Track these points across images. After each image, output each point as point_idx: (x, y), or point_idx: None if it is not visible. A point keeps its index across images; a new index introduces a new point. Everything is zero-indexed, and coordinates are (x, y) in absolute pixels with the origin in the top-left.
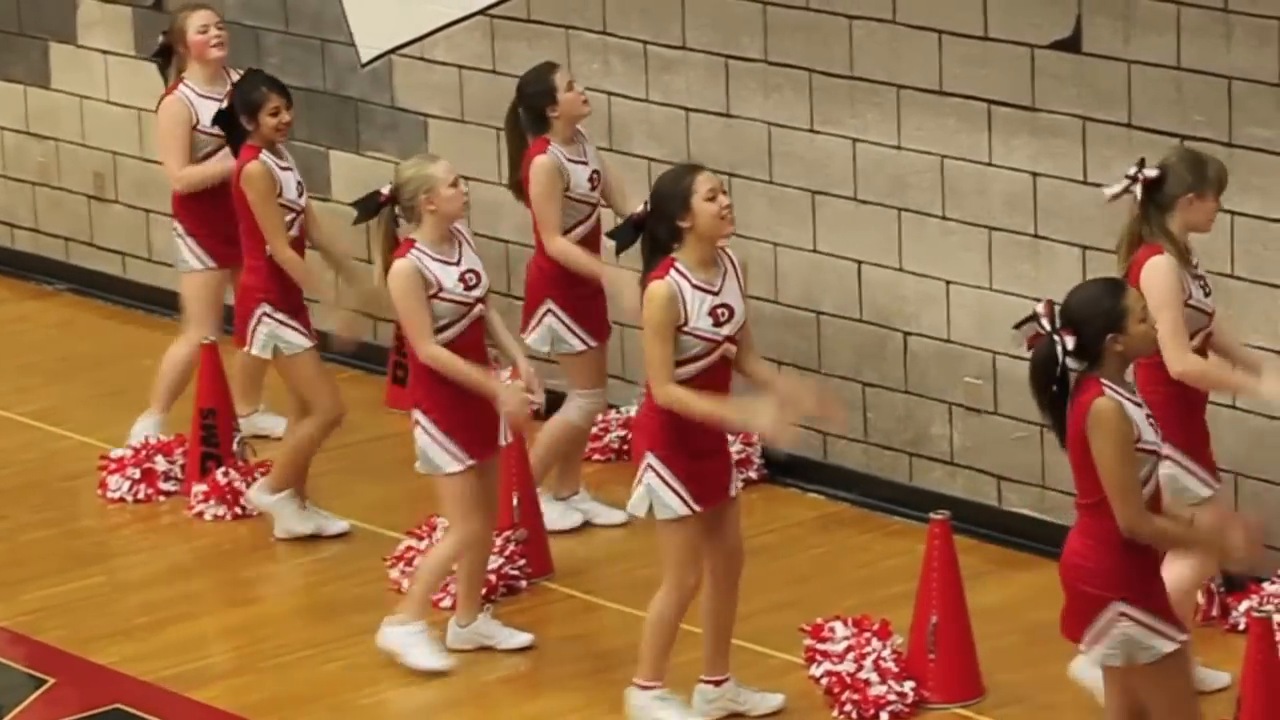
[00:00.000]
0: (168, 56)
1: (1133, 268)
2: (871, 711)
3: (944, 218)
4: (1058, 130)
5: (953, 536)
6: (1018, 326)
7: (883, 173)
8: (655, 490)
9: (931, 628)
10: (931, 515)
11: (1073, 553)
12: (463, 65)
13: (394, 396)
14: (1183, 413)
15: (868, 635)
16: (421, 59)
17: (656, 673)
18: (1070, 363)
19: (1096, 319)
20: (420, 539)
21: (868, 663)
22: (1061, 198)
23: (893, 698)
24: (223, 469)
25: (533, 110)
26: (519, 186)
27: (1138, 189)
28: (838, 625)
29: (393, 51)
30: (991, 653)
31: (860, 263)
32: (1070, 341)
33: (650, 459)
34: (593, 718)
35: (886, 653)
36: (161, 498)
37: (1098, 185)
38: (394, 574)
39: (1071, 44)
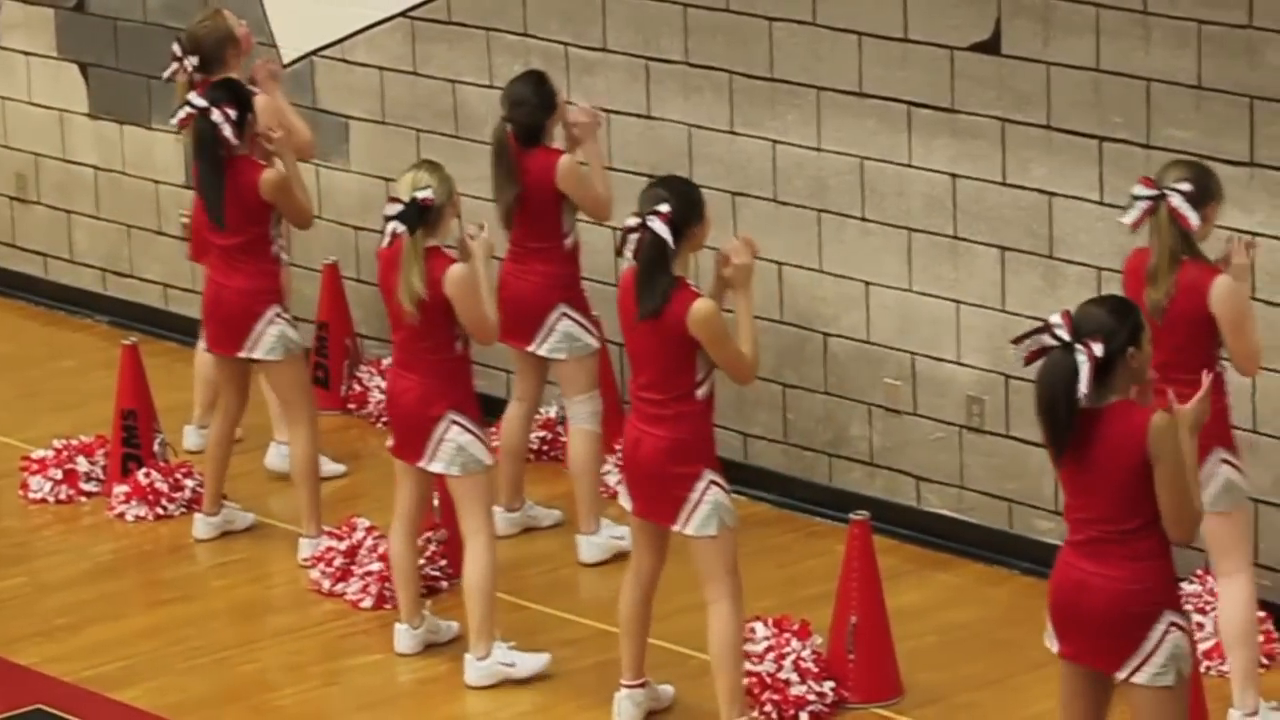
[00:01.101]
0: (211, 66)
1: (1183, 291)
2: (791, 712)
3: (864, 219)
4: (977, 132)
5: (872, 537)
6: (1021, 340)
7: (803, 174)
8: (722, 504)
9: (851, 628)
10: (851, 516)
11: (1120, 580)
12: (384, 67)
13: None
14: (1230, 422)
15: (787, 635)
16: (342, 61)
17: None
18: (1084, 382)
19: (1120, 333)
20: (340, 539)
21: (787, 663)
22: (981, 199)
23: (812, 698)
24: (144, 470)
25: (537, 124)
26: (522, 201)
27: (1169, 204)
28: (758, 625)
29: (314, 53)
30: (910, 653)
31: (780, 264)
32: (1099, 349)
33: (710, 476)
34: (511, 719)
35: (806, 653)
36: (83, 499)
37: (1017, 187)
38: (313, 574)
39: (991, 46)
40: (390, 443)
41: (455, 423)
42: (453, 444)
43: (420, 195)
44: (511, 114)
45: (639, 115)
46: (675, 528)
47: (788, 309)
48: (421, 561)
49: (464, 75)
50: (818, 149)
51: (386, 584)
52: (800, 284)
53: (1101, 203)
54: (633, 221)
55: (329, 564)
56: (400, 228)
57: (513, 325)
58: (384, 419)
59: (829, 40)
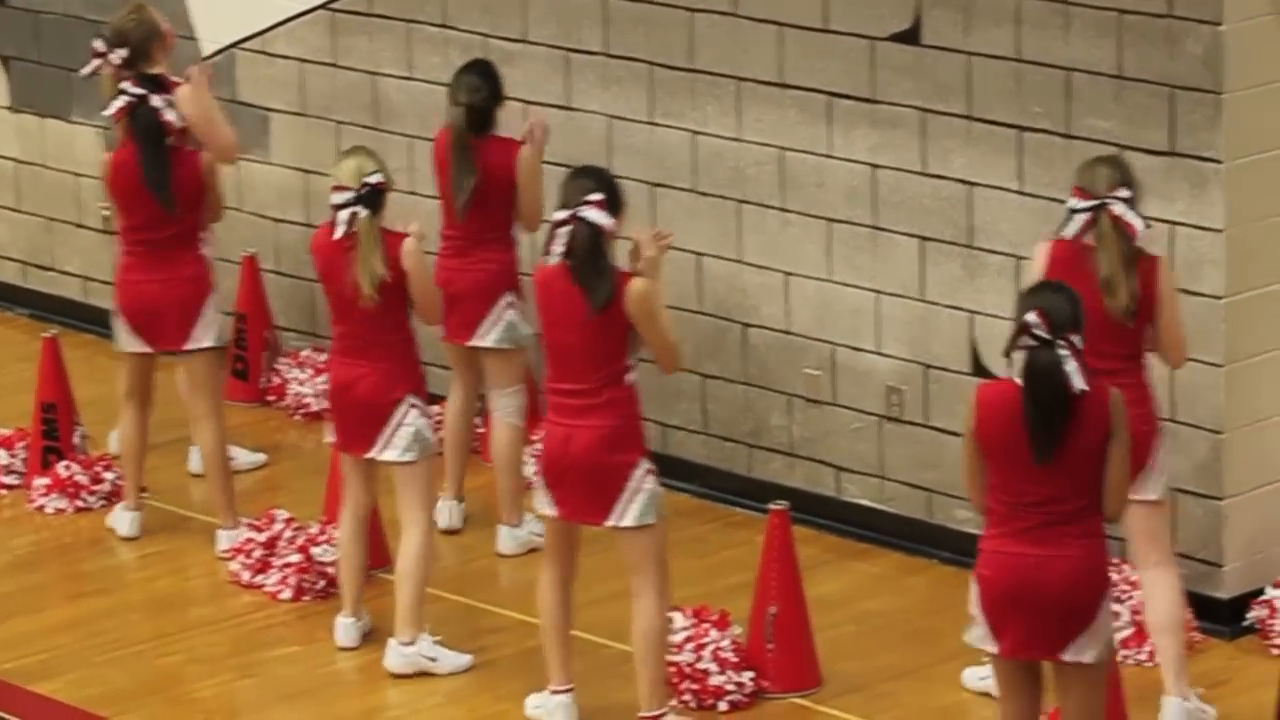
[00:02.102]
0: (138, 61)
1: (1149, 278)
2: (710, 701)
3: (783, 210)
4: (897, 122)
5: (791, 527)
6: (1011, 351)
7: (722, 165)
8: (658, 492)
9: (770, 618)
10: (770, 505)
11: (1076, 559)
12: (304, 59)
13: (232, 389)
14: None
15: (706, 625)
16: (263, 53)
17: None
18: (1077, 377)
19: (1081, 320)
20: (259, 531)
21: (707, 653)
22: (901, 189)
23: (731, 687)
24: (64, 463)
25: (491, 111)
26: (480, 191)
27: (1112, 214)
28: (677, 615)
29: (234, 46)
30: (829, 642)
31: (700, 255)
32: (1079, 340)
33: (646, 463)
34: (425, 710)
35: (726, 643)
36: (3, 491)
37: (937, 177)
38: (232, 566)
39: (911, 36)
40: (331, 438)
41: (414, 406)
42: (411, 428)
43: (373, 180)
44: (471, 100)
45: (559, 106)
46: (610, 523)
47: (707, 299)
48: (336, 555)
49: (384, 67)
50: (738, 139)
51: (305, 576)
52: (720, 274)
53: (1021, 192)
54: (563, 215)
55: (248, 556)
56: (363, 211)
57: (460, 321)
58: (304, 411)
59: (749, 31)
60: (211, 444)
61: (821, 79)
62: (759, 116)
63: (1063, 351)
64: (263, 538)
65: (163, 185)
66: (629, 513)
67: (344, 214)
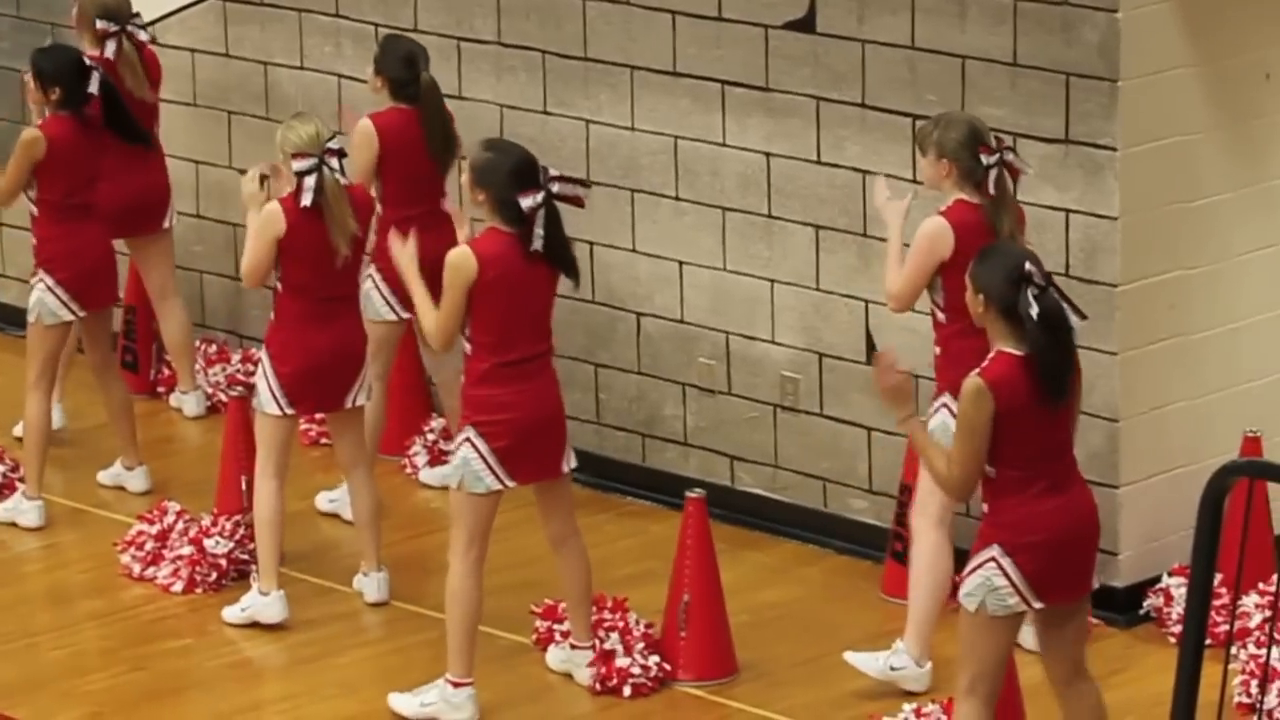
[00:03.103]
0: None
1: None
2: (615, 682)
3: (677, 199)
4: (792, 110)
5: (707, 515)
6: (1025, 305)
7: (616, 154)
8: None
9: (684, 606)
10: (687, 494)
11: (1091, 497)
12: (195, 49)
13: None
14: None
15: (606, 613)
16: (154, 43)
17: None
18: (1075, 313)
19: None
20: (150, 524)
21: (613, 636)
22: (795, 178)
23: (636, 670)
24: None
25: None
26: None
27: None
28: None
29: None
30: None
31: (593, 244)
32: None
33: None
34: (308, 704)
35: (638, 629)
36: None
37: (831, 165)
38: (125, 559)
39: (805, 24)
40: (294, 408)
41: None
42: (367, 369)
43: (335, 144)
44: (425, 68)
45: (451, 96)
46: (565, 469)
47: (600, 289)
48: (231, 545)
49: (276, 57)
50: (631, 128)
51: (197, 568)
52: (614, 264)
53: (916, 181)
54: (539, 198)
55: (140, 548)
56: (329, 174)
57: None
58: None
59: (642, 19)
60: (29, 416)
61: (715, 67)
62: (653, 105)
63: (1056, 294)
64: (154, 530)
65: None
66: (572, 456)
67: (311, 180)
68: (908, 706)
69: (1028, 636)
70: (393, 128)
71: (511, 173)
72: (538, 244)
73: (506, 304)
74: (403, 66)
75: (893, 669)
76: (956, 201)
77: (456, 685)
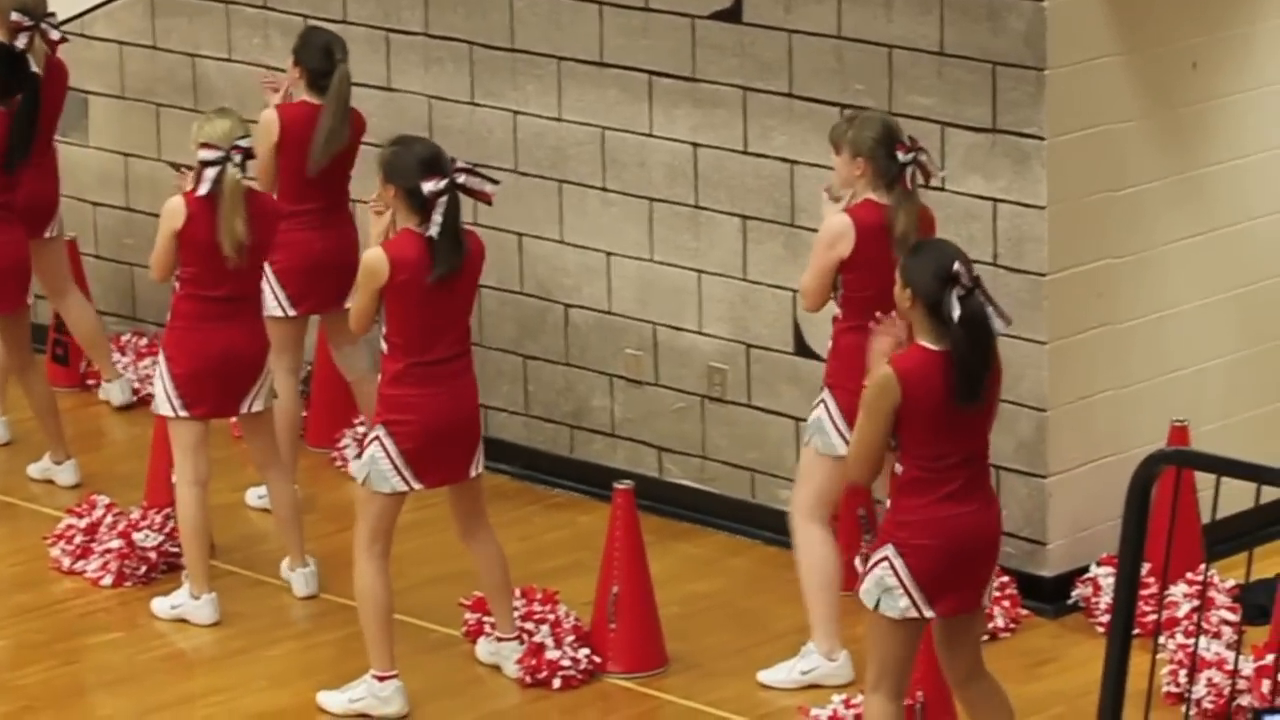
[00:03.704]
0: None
1: (931, 227)
2: (544, 674)
3: (604, 189)
4: (719, 101)
5: (635, 507)
6: (949, 306)
7: (543, 145)
8: None
9: (613, 598)
10: (615, 485)
11: (997, 506)
12: (123, 42)
13: (52, 374)
14: None
15: (535, 605)
16: (81, 35)
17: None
18: (1002, 315)
19: None
20: (80, 517)
21: (544, 629)
22: (722, 168)
23: (567, 663)
24: None
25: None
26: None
27: (919, 161)
28: None
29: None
30: None
31: (521, 235)
32: None
33: None
34: (239, 696)
35: (568, 621)
36: None
37: (759, 155)
38: (54, 553)
39: (732, 14)
40: (189, 410)
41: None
42: (267, 374)
43: (244, 143)
44: (344, 60)
45: (379, 87)
46: (474, 471)
47: (528, 280)
48: (160, 538)
49: (204, 49)
50: (558, 119)
51: (126, 561)
52: (541, 255)
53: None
54: (441, 184)
55: (69, 542)
56: (230, 172)
57: (340, 294)
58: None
59: (569, 10)
60: None
61: (642, 58)
62: (579, 96)
63: (981, 297)
64: (83, 524)
65: None
66: (481, 460)
67: (211, 172)
68: (837, 698)
69: None
70: (295, 120)
71: (418, 163)
72: (434, 230)
73: (420, 306)
74: (321, 58)
75: (803, 673)
76: (864, 201)
77: (382, 679)
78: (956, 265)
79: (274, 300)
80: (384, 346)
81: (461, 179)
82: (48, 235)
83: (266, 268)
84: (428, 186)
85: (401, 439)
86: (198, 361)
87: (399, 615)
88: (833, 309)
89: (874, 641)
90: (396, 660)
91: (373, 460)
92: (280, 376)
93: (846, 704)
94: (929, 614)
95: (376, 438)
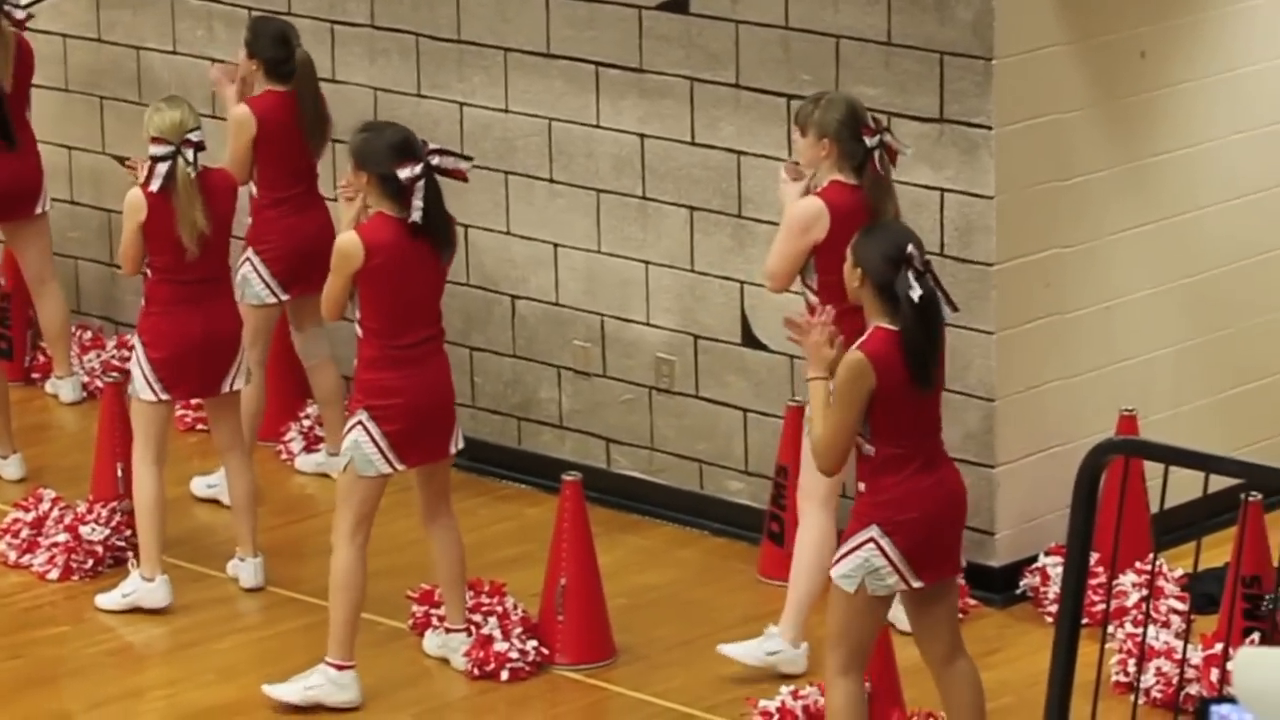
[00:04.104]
0: None
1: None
2: (492, 666)
3: (552, 181)
4: (665, 91)
5: (583, 498)
6: (904, 287)
7: (490, 136)
8: None
9: (561, 589)
10: (563, 477)
11: (958, 473)
12: (67, 34)
13: None
14: None
15: (484, 597)
16: (30, 20)
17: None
18: (949, 301)
19: None
20: (26, 510)
21: (492, 621)
22: (669, 159)
23: (515, 655)
24: None
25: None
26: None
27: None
28: None
29: None
30: None
31: (468, 227)
32: None
33: None
34: (187, 690)
35: (516, 613)
36: None
37: (706, 146)
38: (0, 546)
39: (679, 5)
40: (170, 393)
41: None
42: (244, 352)
43: (196, 136)
44: (298, 45)
45: (325, 79)
46: (453, 449)
47: (475, 271)
48: (107, 532)
49: (148, 42)
50: (505, 111)
51: (73, 555)
52: (488, 246)
53: (794, 162)
54: (418, 169)
55: (15, 535)
56: (183, 165)
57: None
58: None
59: (516, 2)
60: None
61: (589, 49)
62: (526, 87)
63: (932, 281)
64: (29, 517)
65: None
66: (460, 437)
67: (163, 167)
68: (785, 689)
69: (902, 617)
70: (269, 111)
71: (390, 148)
72: (416, 215)
73: (395, 289)
74: (277, 46)
75: (768, 654)
76: (832, 183)
77: (341, 668)
78: (910, 247)
79: (263, 287)
80: (359, 331)
81: (435, 160)
82: (38, 211)
83: (254, 256)
84: (404, 173)
85: (384, 421)
86: (179, 345)
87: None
88: (789, 298)
89: (848, 623)
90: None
91: (356, 445)
92: (251, 367)
93: (795, 695)
94: (917, 584)
95: (359, 423)
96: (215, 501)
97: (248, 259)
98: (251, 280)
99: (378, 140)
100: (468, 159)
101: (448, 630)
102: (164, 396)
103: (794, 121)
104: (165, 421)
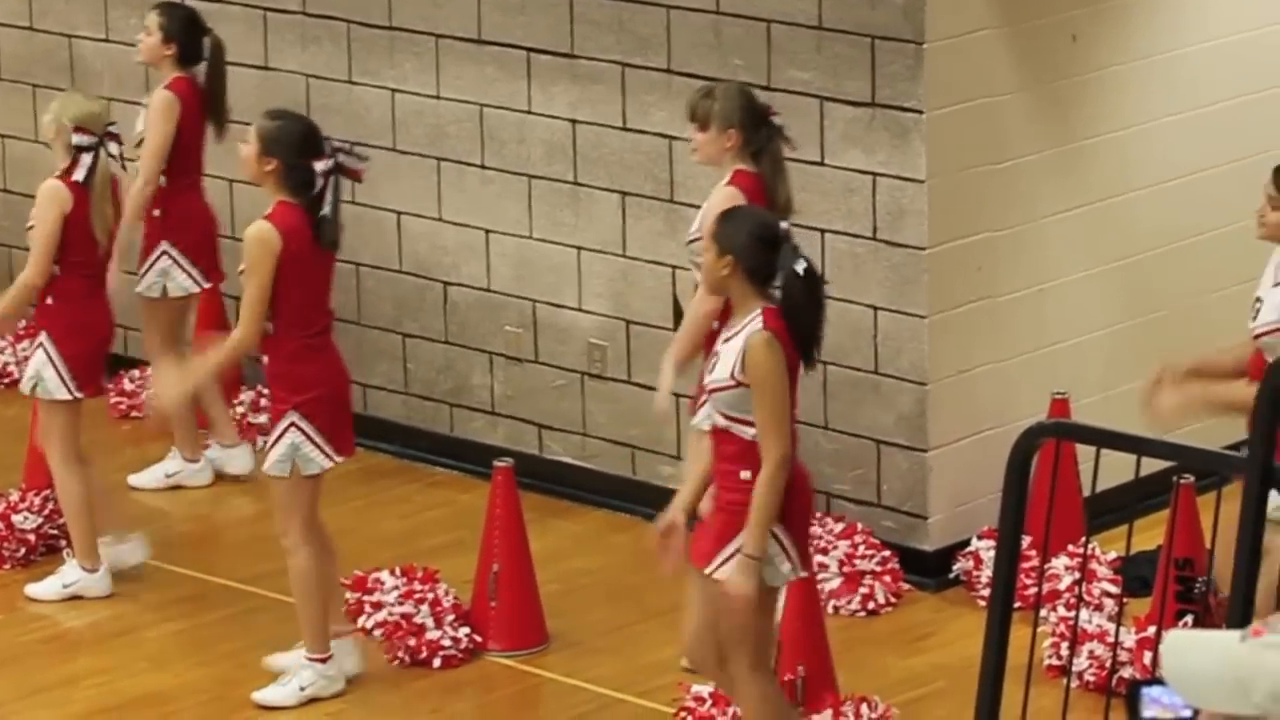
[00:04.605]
0: None
1: None
2: (424, 655)
3: (483, 167)
4: (597, 77)
5: (516, 484)
6: (789, 264)
7: (422, 123)
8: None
9: (493, 576)
10: (495, 463)
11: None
12: None
13: None
14: None
15: (416, 584)
16: None
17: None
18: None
19: None
20: None
21: (424, 608)
22: (601, 144)
23: (447, 643)
24: None
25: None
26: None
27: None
28: (385, 575)
29: None
30: None
31: (399, 214)
32: None
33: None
34: (121, 678)
35: (448, 600)
36: None
37: (637, 131)
38: None
39: None
40: (83, 390)
41: None
42: None
43: (115, 129)
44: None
45: (256, 67)
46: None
47: (407, 258)
48: (40, 520)
49: (80, 30)
50: (436, 97)
51: (5, 543)
52: (420, 233)
53: None
54: (331, 163)
55: None
56: (114, 162)
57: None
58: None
59: None
60: None
61: (520, 35)
62: (458, 74)
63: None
64: None
65: None
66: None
67: (88, 158)
68: None
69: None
70: (187, 96)
71: (303, 139)
72: (328, 209)
73: (305, 278)
74: (190, 30)
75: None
76: (738, 172)
77: (324, 660)
78: (783, 225)
79: (187, 278)
80: (269, 327)
81: (341, 158)
82: None
83: (172, 248)
84: (320, 166)
85: (315, 416)
86: (91, 339)
87: (276, 596)
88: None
89: (748, 619)
90: (275, 644)
91: (295, 448)
92: (171, 359)
93: None
94: (804, 573)
95: (292, 424)
96: (179, 487)
97: (165, 252)
98: (174, 272)
99: (291, 129)
100: (365, 159)
101: (336, 634)
102: (79, 394)
103: (689, 119)
104: (79, 417)
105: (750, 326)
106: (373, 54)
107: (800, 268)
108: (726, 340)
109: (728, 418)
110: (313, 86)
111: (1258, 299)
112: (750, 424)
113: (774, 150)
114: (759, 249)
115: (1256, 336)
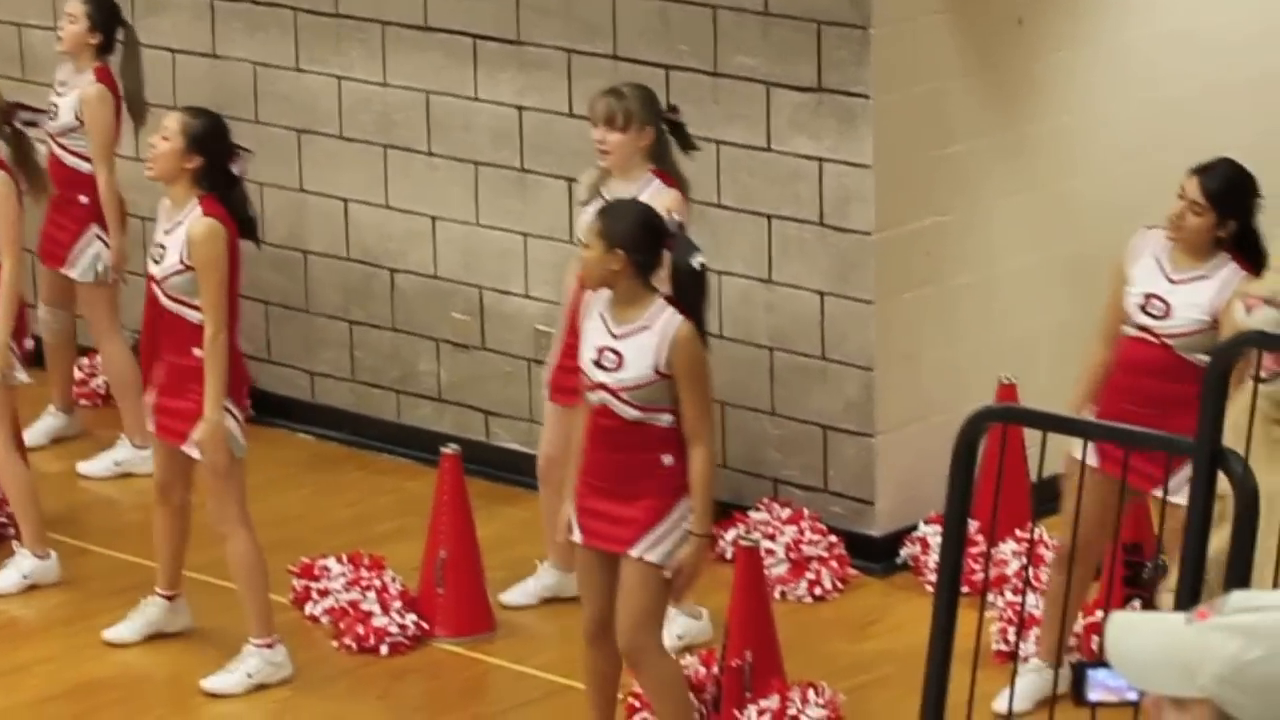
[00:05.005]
0: None
1: None
2: (372, 642)
3: (430, 154)
4: (543, 63)
5: (463, 471)
6: (691, 254)
7: (369, 110)
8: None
9: (440, 562)
10: (442, 450)
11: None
12: None
13: None
14: None
15: (363, 571)
16: None
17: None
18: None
19: None
20: None
21: (370, 595)
22: (548, 131)
23: (394, 630)
24: None
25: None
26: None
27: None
28: (332, 563)
29: None
30: None
31: (347, 201)
32: None
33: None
34: (71, 665)
35: (395, 587)
36: None
37: (583, 118)
38: None
39: None
40: (25, 376)
41: None
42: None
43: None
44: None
45: (204, 54)
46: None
47: (354, 246)
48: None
49: (29, 18)
50: (383, 84)
51: None
52: (367, 220)
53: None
54: (245, 167)
55: None
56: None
57: None
58: None
59: None
60: None
61: (466, 21)
62: (404, 61)
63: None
64: None
65: None
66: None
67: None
68: (691, 658)
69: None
70: (112, 86)
71: (224, 138)
72: (251, 210)
73: (234, 272)
74: (112, 20)
75: (678, 637)
76: (658, 171)
77: (271, 645)
78: (666, 215)
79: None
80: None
81: (242, 154)
82: None
83: (102, 232)
84: (236, 169)
85: (237, 404)
86: (19, 322)
87: (222, 583)
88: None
89: (656, 600)
90: (223, 631)
91: (231, 435)
92: (118, 340)
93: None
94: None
95: (224, 407)
96: (128, 475)
97: (96, 236)
98: (105, 254)
99: (219, 128)
100: (249, 151)
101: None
102: (23, 378)
103: (601, 121)
104: (14, 403)
105: (665, 318)
106: (319, 41)
107: (698, 262)
108: (627, 336)
109: (644, 409)
110: (260, 74)
111: (1154, 295)
112: (669, 411)
113: (682, 144)
114: (649, 240)
115: (1174, 336)
